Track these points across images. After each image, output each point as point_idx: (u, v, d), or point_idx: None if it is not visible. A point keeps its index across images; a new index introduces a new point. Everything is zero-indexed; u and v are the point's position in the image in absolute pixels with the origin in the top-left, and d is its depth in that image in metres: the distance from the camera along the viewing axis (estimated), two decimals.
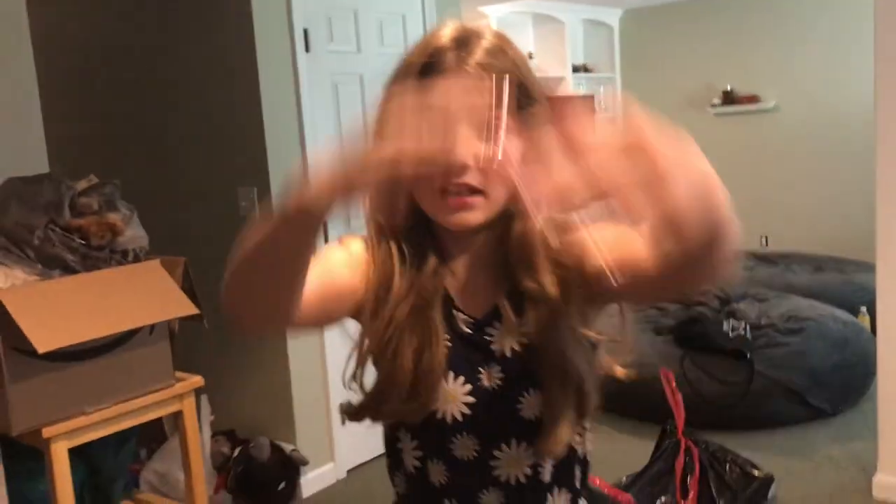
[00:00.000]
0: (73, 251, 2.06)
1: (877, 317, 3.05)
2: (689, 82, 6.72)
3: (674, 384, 2.51)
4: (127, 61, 3.65)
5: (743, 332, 3.85)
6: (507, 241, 0.97)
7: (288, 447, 3.37)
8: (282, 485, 3.31)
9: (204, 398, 3.48)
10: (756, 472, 2.29)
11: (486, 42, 0.93)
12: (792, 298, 4.47)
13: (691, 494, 2.25)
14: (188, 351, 3.46)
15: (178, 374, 2.36)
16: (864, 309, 4.56)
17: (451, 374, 0.98)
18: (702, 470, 2.30)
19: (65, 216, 2.06)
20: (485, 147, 0.81)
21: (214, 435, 3.48)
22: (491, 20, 5.98)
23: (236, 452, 3.37)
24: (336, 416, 3.56)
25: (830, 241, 5.98)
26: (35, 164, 2.43)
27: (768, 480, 2.29)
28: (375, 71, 3.73)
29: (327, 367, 3.51)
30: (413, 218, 0.97)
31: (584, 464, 1.06)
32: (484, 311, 1.00)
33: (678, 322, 4.15)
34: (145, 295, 2.13)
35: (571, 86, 6.65)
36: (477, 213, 0.93)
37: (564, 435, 0.95)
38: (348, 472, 3.60)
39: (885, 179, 2.95)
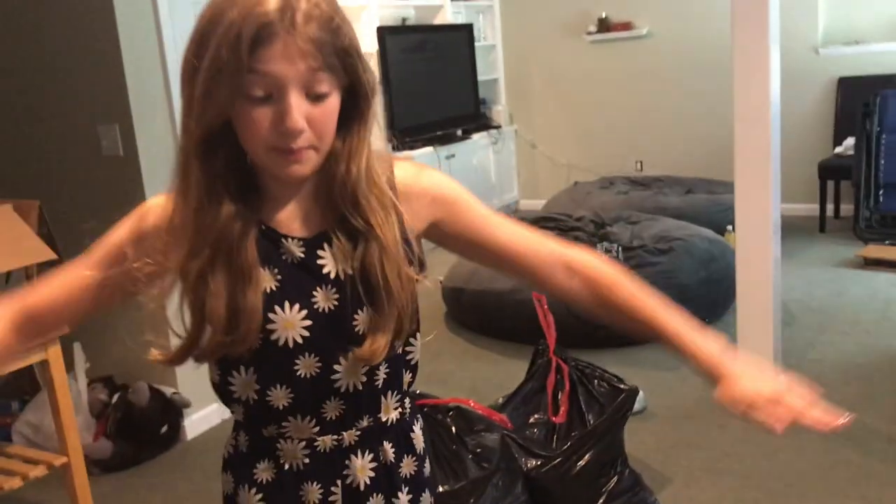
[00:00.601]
0: None
1: (735, 234, 3.22)
2: (565, 10, 6.77)
3: (545, 305, 2.59)
4: None
5: (615, 254, 3.99)
6: (331, 181, 1.04)
7: (169, 390, 3.32)
8: (164, 428, 3.27)
9: (77, 346, 3.36)
10: (622, 386, 2.41)
11: (310, 9, 0.95)
12: (662, 220, 4.66)
13: (562, 410, 2.35)
14: None
15: None
16: (730, 227, 4.80)
17: (287, 304, 1.05)
18: (572, 386, 2.40)
19: None
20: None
21: (91, 382, 3.38)
22: None
23: (115, 399, 3.30)
24: None
25: (701, 164, 6.24)
26: None
27: (633, 392, 2.41)
28: None
29: None
30: (227, 164, 1.02)
31: (414, 369, 1.16)
32: (313, 234, 1.06)
33: None
34: None
35: (449, 14, 6.60)
36: (309, 165, 1.00)
37: (381, 348, 1.04)
38: None
39: (741, 99, 3.08)
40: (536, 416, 2.42)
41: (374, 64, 5.72)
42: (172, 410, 3.30)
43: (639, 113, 6.63)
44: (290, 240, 1.05)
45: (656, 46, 6.50)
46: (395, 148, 5.84)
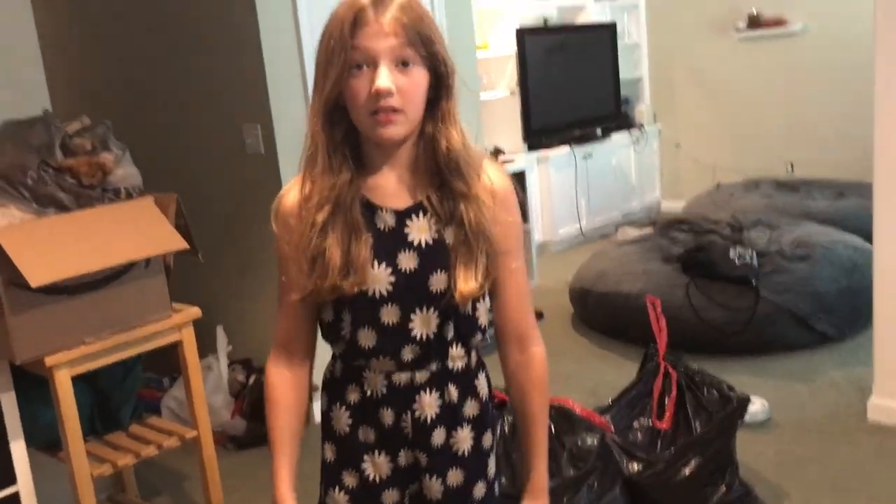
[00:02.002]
0: (65, 190, 2.16)
1: (874, 242, 3.04)
2: (714, 6, 6.56)
3: (659, 309, 2.56)
4: (129, 3, 3.72)
5: (749, 260, 3.85)
6: (434, 153, 1.27)
7: None
8: None
9: (220, 329, 3.63)
10: (732, 394, 2.34)
11: (399, 1, 1.21)
12: (804, 225, 4.45)
13: (667, 415, 2.31)
14: (205, 285, 3.61)
15: (177, 305, 2.47)
16: None
17: (376, 262, 1.28)
18: (679, 392, 2.36)
19: (56, 157, 2.16)
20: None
21: (232, 364, 3.64)
22: None
23: (251, 381, 3.53)
24: None
25: (855, 166, 5.86)
26: (37, 107, 2.51)
27: (744, 401, 2.34)
28: None
29: None
30: (345, 137, 1.27)
31: (483, 330, 1.35)
32: (406, 206, 1.29)
33: (686, 249, 4.17)
34: (136, 231, 2.23)
35: (593, 13, 6.54)
36: (399, 128, 1.22)
37: (473, 291, 1.27)
38: None
39: (883, 102, 2.90)
40: (641, 419, 2.40)
41: (512, 65, 5.78)
42: None
43: (790, 113, 6.33)
44: (384, 211, 1.29)
45: (810, 43, 6.18)
46: (531, 147, 5.87)
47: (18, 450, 2.32)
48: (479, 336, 1.35)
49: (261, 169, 3.45)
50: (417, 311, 1.29)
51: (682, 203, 6.59)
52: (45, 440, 2.45)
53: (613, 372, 3.76)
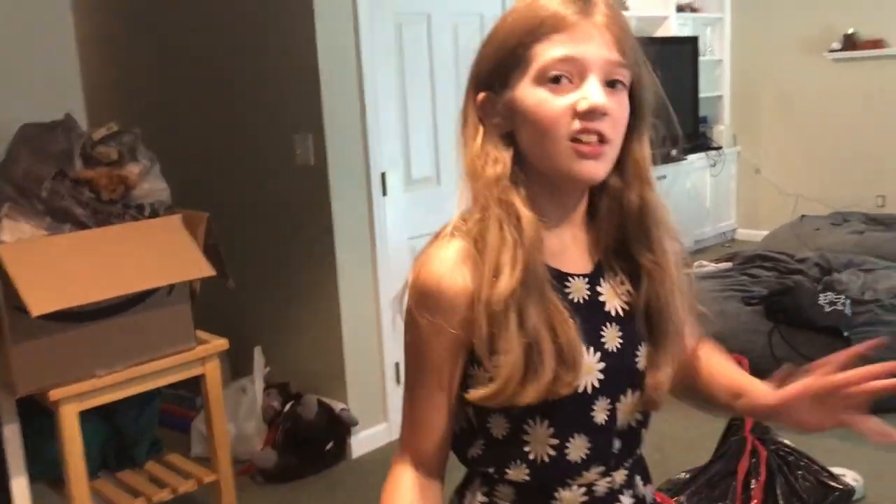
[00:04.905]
0: (82, 205, 1.93)
1: None
2: (805, 24, 6.12)
3: (748, 370, 2.22)
4: (176, 3, 3.52)
5: (842, 307, 3.46)
6: (621, 208, 1.01)
7: (338, 406, 3.26)
8: (329, 444, 3.20)
9: (258, 350, 3.40)
10: (833, 483, 2.00)
11: (609, 2, 0.97)
12: None
13: (754, 503, 1.98)
14: (246, 303, 3.39)
15: (202, 334, 2.23)
16: None
17: (582, 347, 0.98)
18: (769, 475, 2.02)
19: (75, 166, 1.93)
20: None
21: (268, 388, 3.40)
22: None
23: (287, 408, 3.28)
24: (390, 374, 3.42)
25: None
26: (72, 108, 2.30)
27: (848, 493, 1.99)
28: (444, 11, 3.47)
29: (381, 325, 3.35)
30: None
31: None
32: (591, 268, 1.03)
33: (770, 292, 3.79)
34: (158, 254, 1.99)
35: (674, 26, 6.17)
36: (604, 165, 0.95)
37: (664, 383, 1.03)
38: None
39: None
40: None
41: None
42: (340, 426, 3.23)
43: (884, 142, 5.85)
44: (576, 278, 1.01)
45: None
46: None
47: (19, 487, 2.10)
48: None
49: (310, 181, 3.21)
50: (622, 397, 1.02)
51: (758, 232, 6.18)
52: (54, 474, 2.23)
53: (682, 423, 3.41)
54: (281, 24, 3.15)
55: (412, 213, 3.43)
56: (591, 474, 1.04)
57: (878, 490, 2.81)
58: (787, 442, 2.16)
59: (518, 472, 1.03)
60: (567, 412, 1.00)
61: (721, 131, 6.60)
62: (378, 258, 3.30)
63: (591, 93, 0.91)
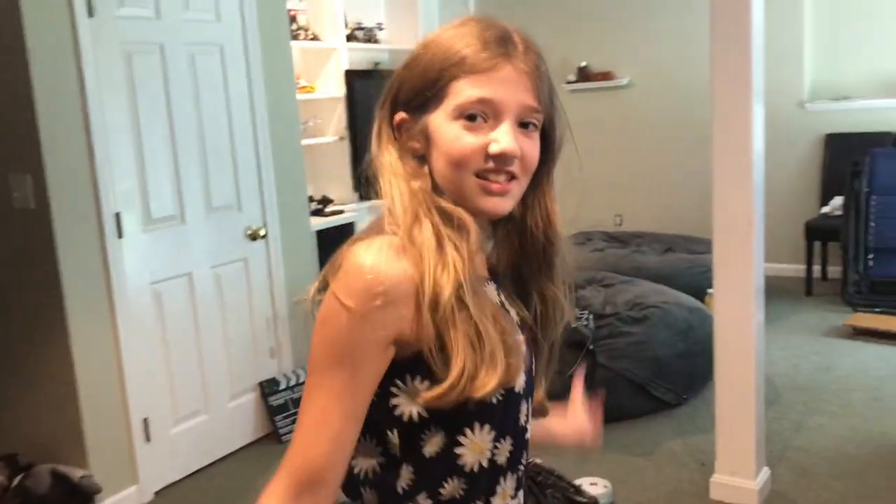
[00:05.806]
0: None
1: (714, 301, 2.90)
2: (544, 56, 6.51)
3: None
4: None
5: (585, 323, 3.66)
6: (523, 237, 1.05)
7: (77, 473, 2.94)
8: None
9: None
10: (579, 498, 2.05)
11: (525, 41, 1.00)
12: (638, 283, 4.34)
13: None
14: None
15: None
16: (710, 290, 4.48)
17: None
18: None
19: None
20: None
21: None
22: None
23: (15, 482, 2.92)
24: (138, 430, 3.15)
25: (683, 220, 5.95)
26: None
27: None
28: (177, 41, 3.28)
29: (125, 376, 3.08)
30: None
31: None
32: (487, 275, 1.04)
33: None
34: None
35: None
36: (510, 201, 0.99)
37: (544, 398, 1.13)
38: (156, 493, 3.20)
39: (721, 156, 2.77)
40: None
41: (341, 108, 5.43)
42: (79, 497, 2.92)
43: (619, 165, 6.35)
44: (488, 282, 1.02)
45: (638, 97, 6.25)
46: (363, 197, 5.51)
47: None
48: None
49: (32, 226, 2.90)
50: (530, 401, 1.06)
51: None
52: None
53: None
54: None
55: (154, 254, 3.20)
56: (511, 481, 1.04)
57: (623, 493, 2.98)
58: (537, 461, 2.20)
59: (453, 488, 1.00)
60: (503, 413, 1.00)
61: None
62: (116, 305, 3.04)
63: (503, 138, 0.94)
